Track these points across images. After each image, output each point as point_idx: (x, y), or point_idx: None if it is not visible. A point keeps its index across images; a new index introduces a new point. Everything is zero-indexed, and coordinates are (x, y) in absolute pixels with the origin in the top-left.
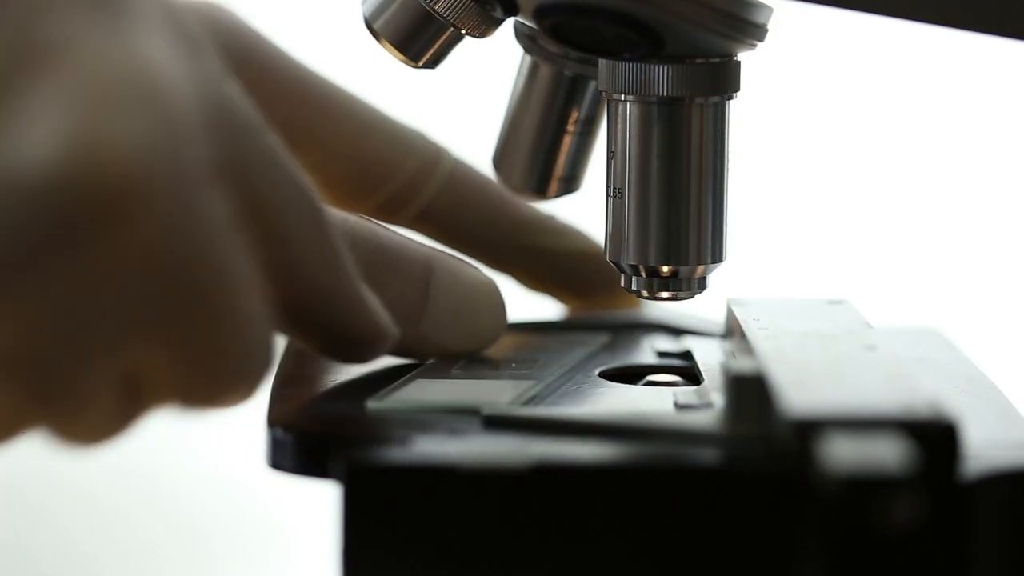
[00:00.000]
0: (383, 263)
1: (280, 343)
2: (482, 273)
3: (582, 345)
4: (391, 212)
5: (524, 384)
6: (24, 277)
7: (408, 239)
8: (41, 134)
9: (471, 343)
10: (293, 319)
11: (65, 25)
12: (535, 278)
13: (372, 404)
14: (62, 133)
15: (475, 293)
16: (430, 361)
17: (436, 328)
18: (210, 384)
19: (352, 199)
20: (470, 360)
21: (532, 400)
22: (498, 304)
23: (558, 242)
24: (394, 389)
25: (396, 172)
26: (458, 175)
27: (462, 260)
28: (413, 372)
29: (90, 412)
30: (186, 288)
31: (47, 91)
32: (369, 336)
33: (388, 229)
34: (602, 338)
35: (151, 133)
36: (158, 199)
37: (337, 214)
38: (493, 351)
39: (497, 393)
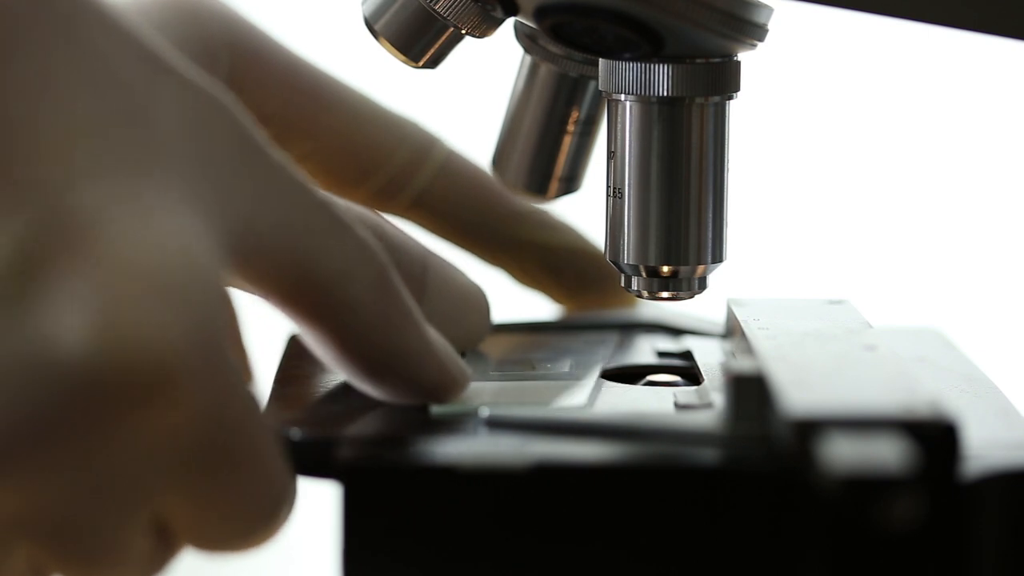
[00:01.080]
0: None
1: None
2: (470, 278)
3: (602, 344)
4: (385, 200)
5: (586, 385)
6: (48, 450)
7: (407, 235)
8: (74, 319)
9: (460, 342)
10: (367, 376)
11: (93, 201)
12: (526, 272)
13: (436, 409)
14: (95, 319)
15: (466, 295)
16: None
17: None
18: (237, 532)
19: (345, 187)
20: (501, 361)
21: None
22: (485, 308)
23: (550, 236)
24: None
25: (389, 159)
26: (452, 165)
27: (451, 263)
28: None
29: (128, 563)
30: (220, 456)
31: (80, 275)
32: (443, 385)
33: (391, 224)
34: (615, 336)
35: (183, 321)
36: (193, 385)
37: (340, 204)
38: (521, 351)
39: (560, 395)
